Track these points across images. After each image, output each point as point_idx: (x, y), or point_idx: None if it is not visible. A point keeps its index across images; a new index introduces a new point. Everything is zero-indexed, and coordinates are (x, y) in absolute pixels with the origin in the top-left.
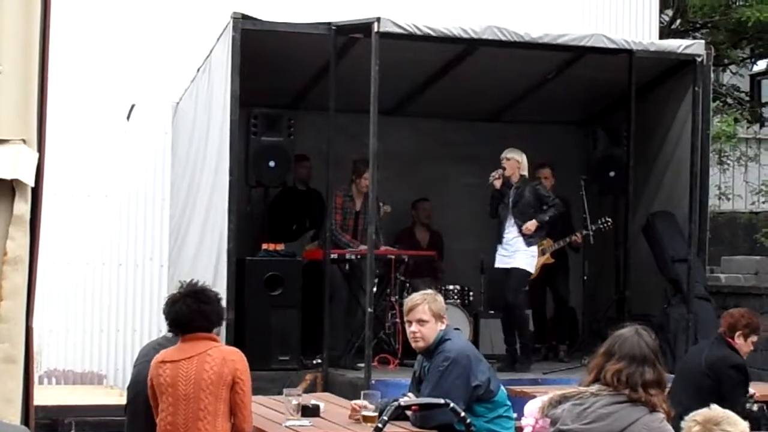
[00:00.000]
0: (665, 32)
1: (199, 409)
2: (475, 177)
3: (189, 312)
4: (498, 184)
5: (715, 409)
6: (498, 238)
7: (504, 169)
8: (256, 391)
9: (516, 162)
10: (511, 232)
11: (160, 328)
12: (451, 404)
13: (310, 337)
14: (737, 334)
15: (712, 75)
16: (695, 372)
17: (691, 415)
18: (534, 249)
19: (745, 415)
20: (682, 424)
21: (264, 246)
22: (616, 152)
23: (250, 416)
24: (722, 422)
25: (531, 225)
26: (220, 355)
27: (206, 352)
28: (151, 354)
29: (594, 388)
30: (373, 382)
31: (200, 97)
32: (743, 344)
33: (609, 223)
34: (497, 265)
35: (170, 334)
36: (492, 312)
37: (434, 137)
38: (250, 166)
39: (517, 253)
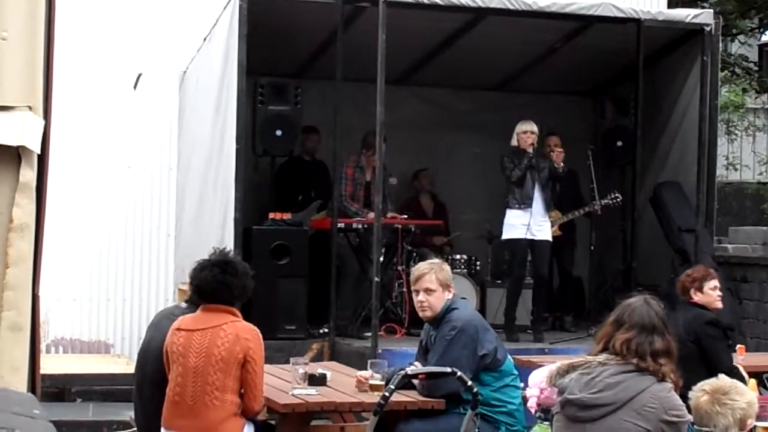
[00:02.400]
0: (674, 1)
1: (207, 383)
2: (482, 146)
3: (213, 281)
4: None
5: (723, 379)
6: (521, 205)
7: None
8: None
9: (537, 134)
10: (538, 201)
11: (167, 297)
12: (458, 373)
13: (317, 306)
14: (692, 291)
15: (720, 45)
16: (679, 340)
17: (699, 385)
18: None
19: (730, 368)
20: (690, 394)
21: (271, 215)
22: (624, 122)
23: (260, 395)
24: (730, 392)
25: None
26: (234, 332)
27: (221, 326)
28: (162, 323)
29: (602, 357)
30: (379, 351)
31: (207, 66)
32: (703, 296)
33: (618, 199)
34: (520, 236)
35: (184, 305)
36: (499, 281)
37: (441, 107)
38: (256, 135)
39: (545, 223)
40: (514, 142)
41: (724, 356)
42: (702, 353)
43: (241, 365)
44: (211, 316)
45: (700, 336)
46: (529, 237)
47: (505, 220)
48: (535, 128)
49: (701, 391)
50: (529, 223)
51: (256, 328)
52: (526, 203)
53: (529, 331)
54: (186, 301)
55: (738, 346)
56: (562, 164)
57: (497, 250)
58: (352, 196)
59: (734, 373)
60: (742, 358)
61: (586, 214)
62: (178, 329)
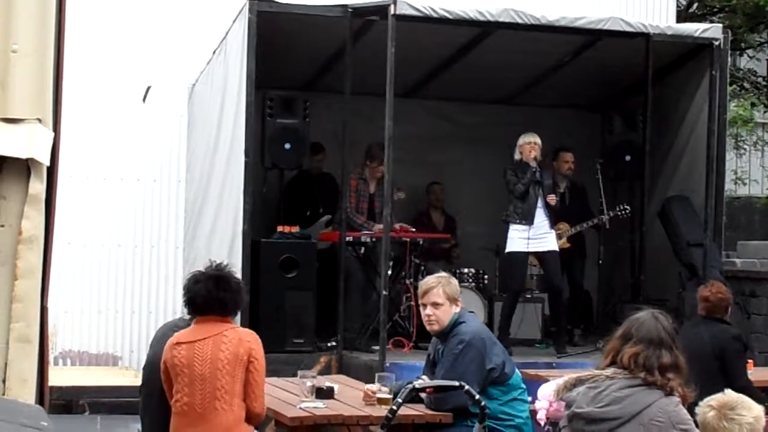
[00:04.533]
0: (682, 16)
1: (216, 389)
2: (490, 160)
3: (206, 295)
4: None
5: (729, 394)
6: (523, 220)
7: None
8: (271, 373)
9: (540, 145)
10: (540, 214)
11: (175, 309)
12: (466, 387)
13: (325, 319)
14: (728, 310)
15: (729, 59)
16: (704, 355)
17: (705, 400)
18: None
19: (746, 383)
20: (698, 409)
21: (279, 228)
22: (632, 137)
23: (262, 396)
24: (737, 407)
25: (552, 198)
26: (236, 336)
27: (222, 333)
28: (167, 335)
29: (609, 371)
30: (387, 364)
31: (216, 79)
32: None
33: (627, 211)
34: (527, 249)
35: (188, 317)
36: (506, 295)
37: (450, 120)
38: (265, 148)
39: (549, 235)
40: (516, 155)
41: (742, 371)
42: (723, 367)
43: (245, 368)
44: (208, 327)
45: (726, 350)
46: (531, 250)
47: (508, 234)
48: (538, 139)
49: (708, 406)
50: (529, 236)
51: (253, 332)
52: (527, 219)
53: (537, 345)
54: (189, 314)
55: (746, 360)
56: (562, 184)
57: (504, 264)
58: (357, 209)
59: (749, 389)
60: (750, 372)
61: (595, 226)
62: (178, 343)
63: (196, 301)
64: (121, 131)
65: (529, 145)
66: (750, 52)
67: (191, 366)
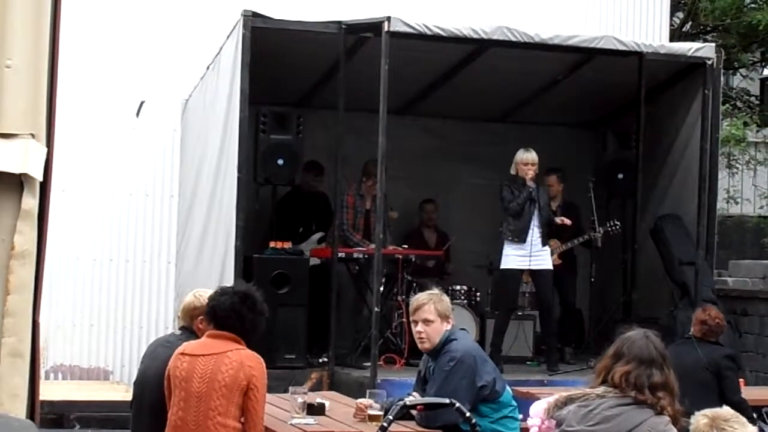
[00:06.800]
0: (676, 35)
1: (209, 408)
2: (483, 177)
3: (229, 308)
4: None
5: (726, 409)
6: (515, 238)
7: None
8: None
9: (537, 164)
10: (535, 233)
11: (166, 324)
12: (457, 404)
13: (317, 335)
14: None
15: (722, 78)
16: (697, 373)
17: (701, 411)
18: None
19: (740, 399)
20: (691, 419)
21: (271, 244)
22: (625, 155)
23: (260, 423)
24: (731, 419)
25: (563, 219)
26: (238, 359)
27: (225, 353)
28: (158, 351)
29: (600, 389)
30: (378, 381)
31: (210, 94)
32: None
33: (618, 227)
34: (528, 266)
35: (179, 332)
36: (498, 313)
37: (443, 137)
38: (258, 164)
39: (544, 252)
40: (513, 170)
41: (737, 388)
42: (718, 383)
43: (243, 393)
44: (216, 343)
45: (721, 367)
46: (532, 267)
47: (503, 251)
48: (535, 158)
49: (702, 415)
50: (530, 253)
51: (260, 357)
52: (520, 238)
53: (528, 362)
54: (180, 329)
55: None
56: (554, 203)
57: (498, 281)
58: (353, 225)
59: (743, 405)
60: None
61: (586, 243)
62: (183, 354)
63: (216, 312)
64: (115, 146)
65: (527, 166)
66: (743, 71)
67: (189, 381)
